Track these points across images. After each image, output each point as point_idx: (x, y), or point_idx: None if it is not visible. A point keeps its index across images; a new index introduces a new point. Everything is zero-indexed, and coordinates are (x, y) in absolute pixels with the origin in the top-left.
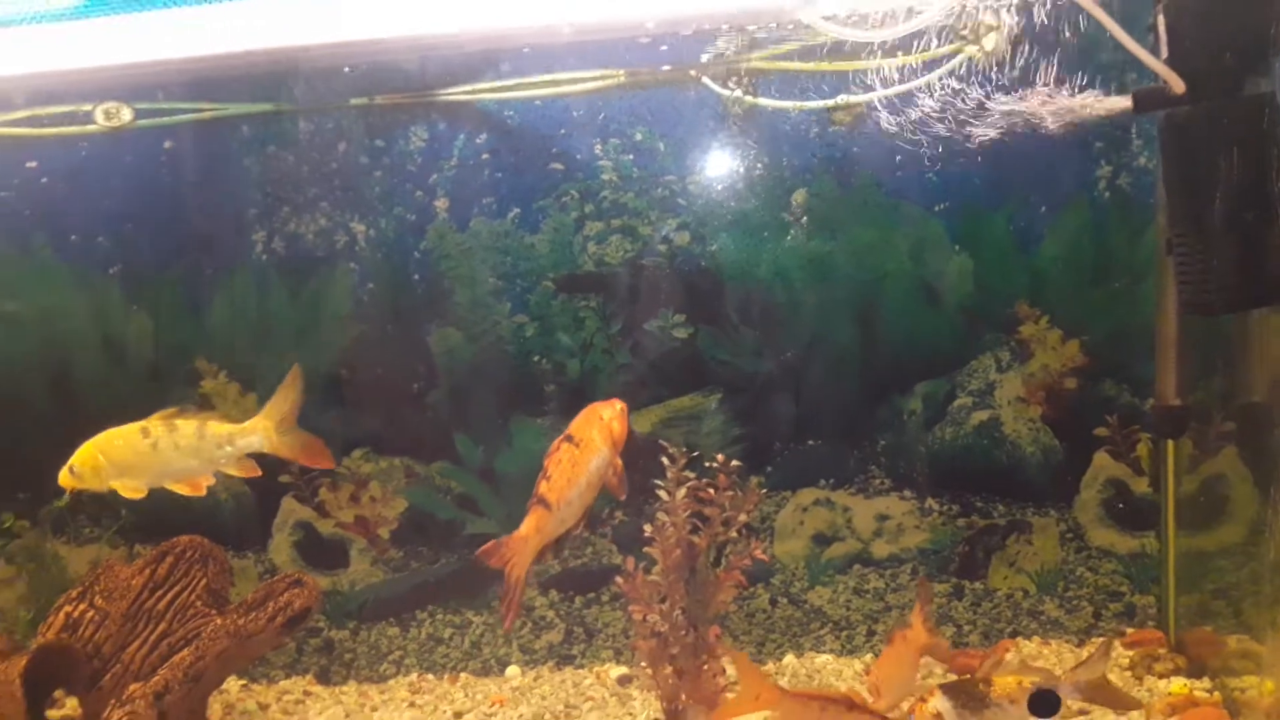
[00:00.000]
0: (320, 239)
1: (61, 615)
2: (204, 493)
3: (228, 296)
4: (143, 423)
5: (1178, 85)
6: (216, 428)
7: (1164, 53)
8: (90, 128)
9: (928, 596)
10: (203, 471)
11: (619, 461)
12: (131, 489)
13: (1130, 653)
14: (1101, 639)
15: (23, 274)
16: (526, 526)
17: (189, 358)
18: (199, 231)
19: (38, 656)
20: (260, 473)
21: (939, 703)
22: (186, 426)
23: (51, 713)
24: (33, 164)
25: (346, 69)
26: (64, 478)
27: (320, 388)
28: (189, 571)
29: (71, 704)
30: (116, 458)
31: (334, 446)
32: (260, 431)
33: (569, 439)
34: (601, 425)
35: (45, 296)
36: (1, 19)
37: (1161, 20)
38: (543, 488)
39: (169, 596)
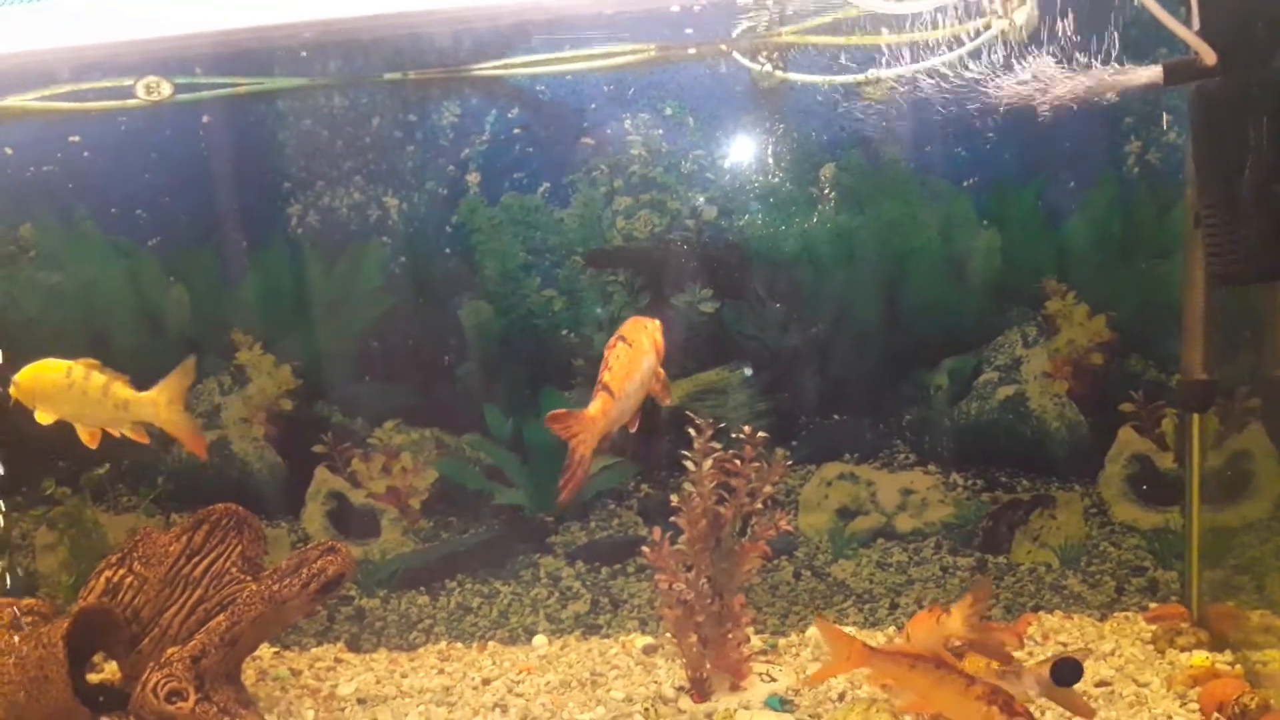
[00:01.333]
0: (354, 213)
1: (102, 580)
2: (95, 445)
3: (263, 269)
4: (73, 363)
5: (1209, 56)
6: (119, 390)
7: (1195, 24)
8: (131, 102)
9: (983, 597)
10: (99, 424)
11: (661, 370)
12: (44, 416)
13: (1153, 627)
14: (1078, 649)
15: (65, 246)
16: (594, 408)
17: (225, 329)
18: (235, 205)
19: (79, 620)
20: (147, 440)
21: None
22: (98, 380)
23: (92, 676)
24: (75, 138)
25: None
26: (12, 386)
27: (353, 360)
28: (225, 538)
29: (111, 667)
30: (41, 386)
31: (366, 417)
32: (151, 404)
33: (623, 339)
34: (648, 333)
35: (86, 268)
36: None
37: None
38: (606, 377)
39: (205, 563)
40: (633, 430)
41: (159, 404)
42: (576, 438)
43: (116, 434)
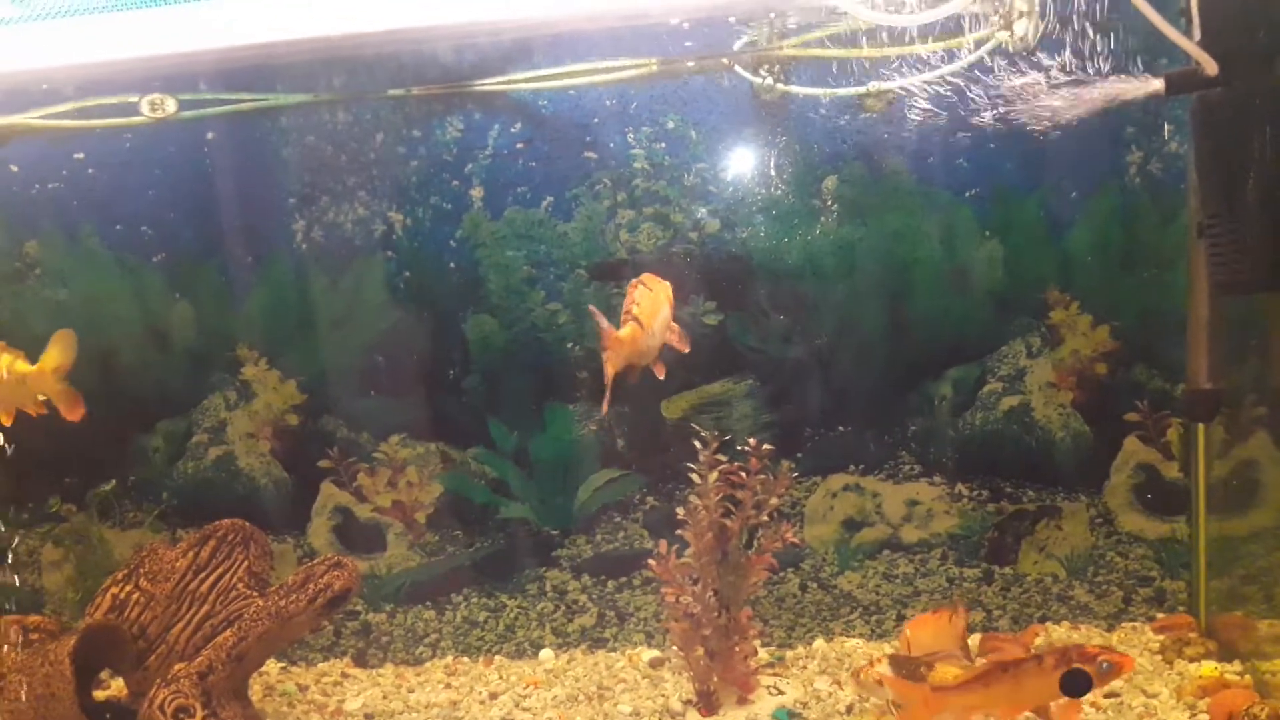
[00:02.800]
0: (358, 228)
1: (108, 597)
2: (8, 423)
3: (268, 285)
4: None
5: (1210, 67)
6: (20, 365)
7: (1196, 34)
8: (136, 119)
9: (962, 612)
10: (13, 404)
11: (675, 325)
12: None
13: (1161, 637)
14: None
15: (71, 262)
16: (624, 332)
17: (230, 344)
18: (240, 221)
19: (86, 637)
20: (45, 411)
21: (884, 669)
22: (6, 360)
23: (98, 693)
24: (80, 155)
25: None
26: None
27: (358, 374)
28: (231, 554)
29: (118, 684)
30: None
31: (372, 432)
32: (41, 375)
33: (642, 284)
34: (662, 285)
35: (92, 284)
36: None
37: (1194, 1)
38: (635, 310)
39: (212, 579)
40: (661, 377)
41: (45, 375)
42: (605, 356)
43: (33, 413)
